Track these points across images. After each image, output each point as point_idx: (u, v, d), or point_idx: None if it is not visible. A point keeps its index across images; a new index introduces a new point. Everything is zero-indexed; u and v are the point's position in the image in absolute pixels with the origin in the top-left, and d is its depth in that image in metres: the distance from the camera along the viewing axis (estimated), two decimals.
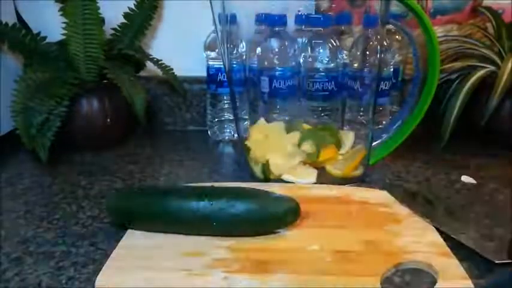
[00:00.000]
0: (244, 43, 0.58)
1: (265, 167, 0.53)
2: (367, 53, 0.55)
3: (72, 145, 0.68)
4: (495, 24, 0.67)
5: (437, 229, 0.42)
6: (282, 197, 0.41)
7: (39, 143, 0.58)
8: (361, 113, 0.59)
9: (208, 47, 0.69)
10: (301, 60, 0.57)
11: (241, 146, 0.58)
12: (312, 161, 0.52)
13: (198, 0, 0.70)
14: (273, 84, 0.56)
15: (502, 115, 0.63)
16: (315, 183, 0.52)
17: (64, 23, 0.62)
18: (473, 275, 0.36)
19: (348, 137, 0.55)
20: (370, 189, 0.52)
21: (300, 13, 0.58)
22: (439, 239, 0.41)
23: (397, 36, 0.65)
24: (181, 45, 0.76)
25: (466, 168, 0.59)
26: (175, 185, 0.53)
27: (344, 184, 0.53)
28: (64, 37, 0.64)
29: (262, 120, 0.57)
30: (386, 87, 0.64)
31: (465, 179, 0.56)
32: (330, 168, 0.53)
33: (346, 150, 0.55)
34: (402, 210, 0.46)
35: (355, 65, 0.57)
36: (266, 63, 0.57)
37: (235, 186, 0.43)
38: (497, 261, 0.37)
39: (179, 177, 0.58)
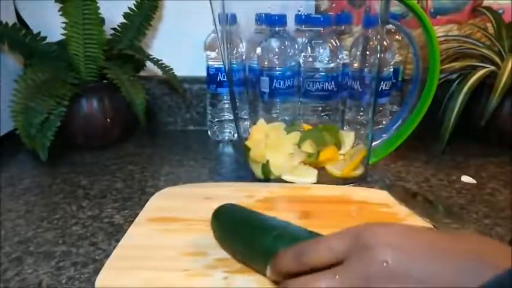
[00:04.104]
0: (244, 43, 0.58)
1: (265, 167, 0.53)
2: (367, 53, 0.55)
3: (72, 145, 0.68)
4: (495, 24, 0.67)
5: (437, 229, 0.42)
6: None
7: (39, 143, 0.58)
8: (361, 113, 0.59)
9: (208, 47, 0.69)
10: (301, 60, 0.57)
11: (241, 146, 0.58)
12: (312, 161, 0.52)
13: (197, 0, 0.70)
14: (273, 84, 0.56)
15: (502, 115, 0.63)
16: (315, 183, 0.52)
17: (64, 23, 0.62)
18: None
19: (348, 137, 0.55)
20: (370, 189, 0.52)
21: (299, 13, 0.58)
22: None
23: (397, 36, 0.65)
24: (181, 45, 0.76)
25: (466, 168, 0.59)
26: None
27: (344, 184, 0.53)
28: (64, 37, 0.64)
29: (262, 120, 0.57)
30: (386, 87, 0.64)
31: (465, 179, 0.56)
32: (330, 168, 0.53)
33: (346, 150, 0.55)
34: (402, 210, 0.46)
35: (355, 65, 0.57)
36: (266, 63, 0.57)
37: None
38: None
39: (179, 177, 0.58)
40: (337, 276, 0.26)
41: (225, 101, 0.71)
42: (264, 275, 0.33)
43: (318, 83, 0.56)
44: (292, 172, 0.53)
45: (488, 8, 0.69)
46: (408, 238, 0.27)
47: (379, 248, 0.26)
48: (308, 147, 0.52)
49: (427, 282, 0.24)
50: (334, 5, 0.64)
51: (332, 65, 0.55)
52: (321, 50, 0.55)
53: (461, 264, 0.24)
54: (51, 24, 0.65)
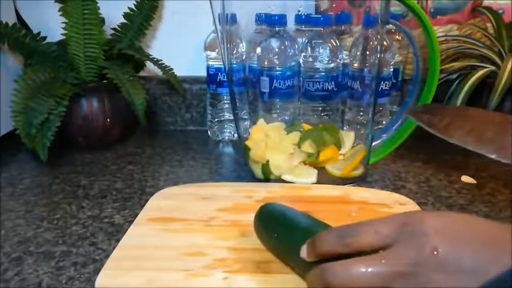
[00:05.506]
0: (244, 43, 0.58)
1: (265, 167, 0.53)
2: (367, 53, 0.55)
3: (72, 145, 0.68)
4: (495, 24, 0.67)
5: None
6: None
7: (39, 143, 0.58)
8: (361, 113, 0.59)
9: (208, 47, 0.69)
10: (301, 60, 0.57)
11: (241, 146, 0.58)
12: (312, 161, 0.53)
13: (198, 0, 0.70)
14: (273, 84, 0.56)
15: None
16: (315, 183, 0.52)
17: (64, 23, 0.62)
18: None
19: (348, 137, 0.55)
20: (370, 189, 0.52)
21: (299, 13, 0.59)
22: None
23: (397, 36, 0.65)
24: (181, 45, 0.76)
25: (466, 168, 0.59)
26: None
27: (344, 184, 0.53)
28: (64, 37, 0.64)
29: (262, 120, 0.57)
30: (386, 87, 0.64)
31: (465, 179, 0.56)
32: (330, 168, 0.53)
33: (346, 150, 0.55)
34: (403, 210, 0.46)
35: (355, 65, 0.57)
36: (266, 63, 0.57)
37: None
38: None
39: (179, 177, 0.58)
40: (383, 261, 0.26)
41: (225, 101, 0.71)
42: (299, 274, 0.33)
43: (318, 83, 0.56)
44: (292, 172, 0.53)
45: (488, 8, 0.69)
46: (461, 228, 0.26)
47: (431, 235, 0.25)
48: (308, 147, 0.52)
49: (479, 273, 0.24)
50: (334, 5, 0.64)
51: (332, 65, 0.55)
52: (321, 50, 0.55)
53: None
54: (51, 24, 0.65)
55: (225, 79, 0.69)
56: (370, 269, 0.26)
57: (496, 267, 0.23)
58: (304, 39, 0.57)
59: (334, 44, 0.56)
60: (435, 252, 0.25)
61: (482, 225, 0.27)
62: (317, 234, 0.30)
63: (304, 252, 0.30)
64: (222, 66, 0.66)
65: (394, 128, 0.58)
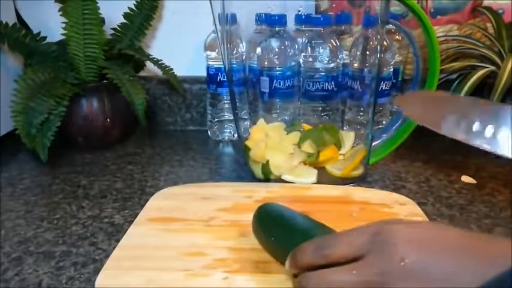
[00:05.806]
0: (244, 43, 0.58)
1: (265, 167, 0.53)
2: (367, 53, 0.55)
3: (72, 145, 0.68)
4: (495, 24, 0.67)
5: None
6: None
7: (39, 143, 0.58)
8: (361, 113, 0.59)
9: (208, 47, 0.69)
10: (301, 60, 0.57)
11: (241, 146, 0.58)
12: (312, 161, 0.53)
13: (198, 0, 0.70)
14: (273, 84, 0.56)
15: None
16: (315, 183, 0.52)
17: (64, 23, 0.62)
18: None
19: (348, 137, 0.55)
20: (370, 189, 0.52)
21: (299, 13, 0.59)
22: None
23: (397, 36, 0.65)
24: (181, 45, 0.76)
25: (466, 168, 0.59)
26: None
27: (344, 184, 0.53)
28: (64, 37, 0.64)
29: (262, 120, 0.57)
30: (386, 87, 0.64)
31: (465, 179, 0.56)
32: (330, 168, 0.53)
33: (346, 150, 0.55)
34: (403, 210, 0.46)
35: (355, 65, 0.57)
36: (266, 63, 0.57)
37: None
38: None
39: (179, 177, 0.58)
40: (354, 272, 0.27)
41: (225, 101, 0.71)
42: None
43: (318, 83, 0.56)
44: (292, 172, 0.53)
45: (488, 8, 0.69)
46: (431, 237, 0.27)
47: (398, 245, 0.26)
48: (308, 147, 0.52)
49: (446, 282, 0.24)
50: (334, 5, 0.64)
51: (332, 65, 0.55)
52: (321, 50, 0.55)
53: (483, 264, 0.24)
54: (51, 24, 0.65)
55: (225, 79, 0.69)
56: (342, 279, 0.27)
57: (465, 276, 0.24)
58: (304, 39, 0.57)
59: (334, 44, 0.56)
60: (402, 263, 0.25)
61: (453, 234, 0.27)
62: (297, 247, 0.31)
63: (287, 264, 0.31)
64: (222, 66, 0.66)
65: (394, 128, 0.58)
